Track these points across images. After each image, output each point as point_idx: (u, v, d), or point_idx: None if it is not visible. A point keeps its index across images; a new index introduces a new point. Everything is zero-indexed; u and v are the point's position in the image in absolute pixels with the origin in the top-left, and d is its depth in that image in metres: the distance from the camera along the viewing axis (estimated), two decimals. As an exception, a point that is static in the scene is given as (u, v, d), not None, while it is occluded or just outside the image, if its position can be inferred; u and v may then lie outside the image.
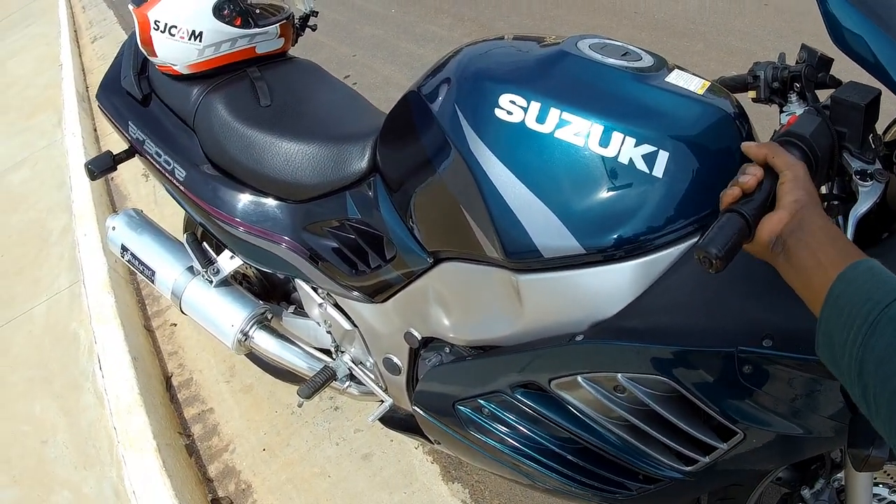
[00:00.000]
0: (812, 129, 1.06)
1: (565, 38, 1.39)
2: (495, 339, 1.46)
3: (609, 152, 1.20)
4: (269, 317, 2.07)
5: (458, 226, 1.36)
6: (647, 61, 1.32)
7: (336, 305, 1.85)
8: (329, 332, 1.93)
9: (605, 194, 1.21)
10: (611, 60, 1.29)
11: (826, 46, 1.29)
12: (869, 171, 1.07)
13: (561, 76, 1.29)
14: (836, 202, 1.15)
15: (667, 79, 1.29)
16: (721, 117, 1.28)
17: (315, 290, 1.87)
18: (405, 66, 4.54)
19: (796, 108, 1.37)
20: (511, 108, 1.27)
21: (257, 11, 1.92)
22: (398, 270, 1.57)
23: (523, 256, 1.28)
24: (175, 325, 3.16)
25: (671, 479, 1.34)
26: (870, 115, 1.09)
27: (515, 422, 1.47)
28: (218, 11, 1.83)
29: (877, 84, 1.06)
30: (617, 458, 1.38)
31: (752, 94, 1.49)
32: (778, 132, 1.12)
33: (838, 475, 1.53)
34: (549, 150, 1.23)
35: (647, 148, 1.19)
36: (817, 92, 1.36)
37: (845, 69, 1.19)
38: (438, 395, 1.58)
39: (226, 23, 1.85)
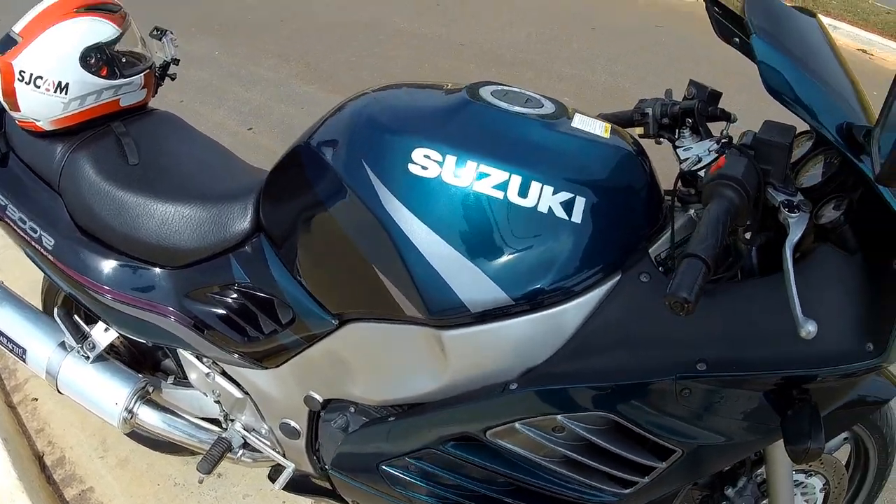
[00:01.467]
0: (742, 170, 1.12)
1: (463, 86, 1.41)
2: (417, 397, 1.44)
3: (528, 202, 1.23)
4: (151, 390, 1.95)
5: (371, 286, 1.34)
6: (549, 108, 1.37)
7: (224, 374, 1.77)
8: (218, 402, 1.85)
9: (528, 244, 1.25)
10: (517, 108, 1.33)
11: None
12: (795, 203, 1.14)
13: (473, 127, 1.30)
14: (764, 236, 1.24)
15: (573, 124, 1.34)
16: (627, 158, 1.34)
17: (200, 358, 1.78)
18: (234, 111, 4.44)
19: (690, 142, 1.46)
20: (426, 162, 1.26)
21: (123, 60, 1.84)
22: (297, 334, 1.52)
23: (449, 313, 1.28)
24: (36, 399, 2.94)
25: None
26: (790, 151, 1.17)
27: (447, 474, 1.46)
28: (84, 60, 1.75)
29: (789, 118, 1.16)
30: (555, 493, 1.39)
31: (639, 130, 1.59)
32: (708, 174, 1.16)
33: (758, 470, 1.63)
34: (468, 205, 1.24)
35: (565, 195, 1.23)
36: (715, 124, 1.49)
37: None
38: (361, 457, 1.54)
39: (92, 73, 1.76)
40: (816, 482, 1.77)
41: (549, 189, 1.24)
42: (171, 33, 2.07)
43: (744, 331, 1.20)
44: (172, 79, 2.10)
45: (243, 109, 4.33)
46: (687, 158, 1.39)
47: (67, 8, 1.77)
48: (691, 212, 1.36)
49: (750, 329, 1.20)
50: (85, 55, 1.75)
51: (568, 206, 1.24)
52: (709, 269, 0.99)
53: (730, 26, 1.44)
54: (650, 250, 1.31)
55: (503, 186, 1.23)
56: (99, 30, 1.78)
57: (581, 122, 1.36)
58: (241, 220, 1.59)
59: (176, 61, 2.10)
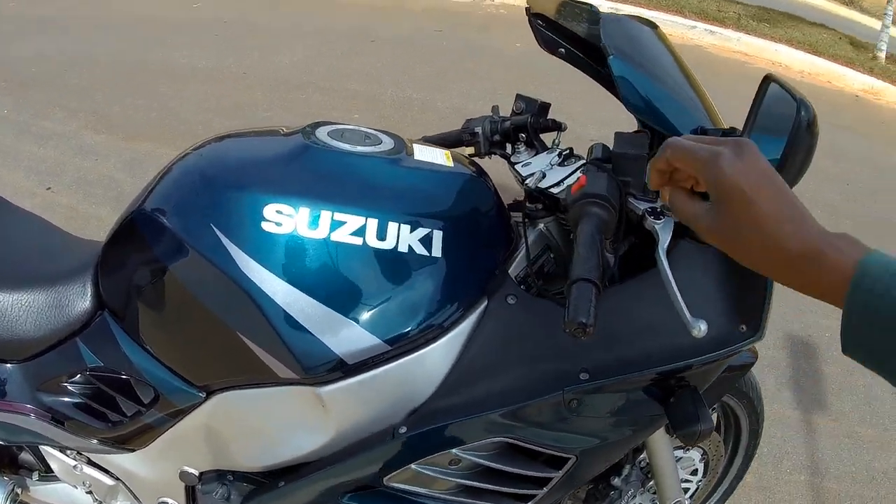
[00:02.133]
0: (605, 185, 1.15)
1: (297, 129, 1.39)
2: (303, 457, 1.39)
3: (388, 244, 1.22)
4: (20, 491, 1.78)
5: (237, 354, 1.28)
6: (388, 142, 1.38)
7: (91, 462, 1.64)
8: (89, 493, 1.72)
9: (395, 287, 1.24)
10: (360, 148, 1.32)
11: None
12: (658, 209, 1.17)
13: (321, 173, 1.28)
14: (626, 243, 1.29)
15: (416, 156, 1.36)
16: (473, 183, 1.39)
17: (63, 450, 1.64)
18: (31, 171, 4.09)
19: (526, 157, 1.52)
20: (279, 218, 1.22)
21: None
22: (162, 412, 1.43)
23: (325, 369, 1.25)
24: None
25: None
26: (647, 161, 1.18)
27: None
28: None
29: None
30: None
31: (470, 150, 1.63)
32: (571, 195, 1.16)
33: (640, 456, 1.74)
34: (328, 256, 1.22)
35: (422, 231, 1.24)
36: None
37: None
38: None
39: None
40: (695, 454, 1.89)
41: (406, 228, 1.24)
42: None
43: (619, 333, 1.23)
44: None
45: (40, 168, 4.20)
46: (530, 175, 1.40)
47: None
48: (541, 226, 1.39)
49: (624, 331, 1.23)
50: None
51: (427, 241, 1.25)
52: (598, 289, 1.00)
53: (555, 38, 1.52)
54: (510, 271, 1.34)
55: (361, 232, 1.22)
56: None
57: (422, 153, 1.38)
58: (82, 300, 1.48)
59: None
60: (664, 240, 1.12)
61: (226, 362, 1.33)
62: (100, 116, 4.84)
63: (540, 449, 1.30)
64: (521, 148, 1.57)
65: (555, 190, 1.34)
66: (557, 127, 1.57)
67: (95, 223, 3.57)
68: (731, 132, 1.22)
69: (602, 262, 1.04)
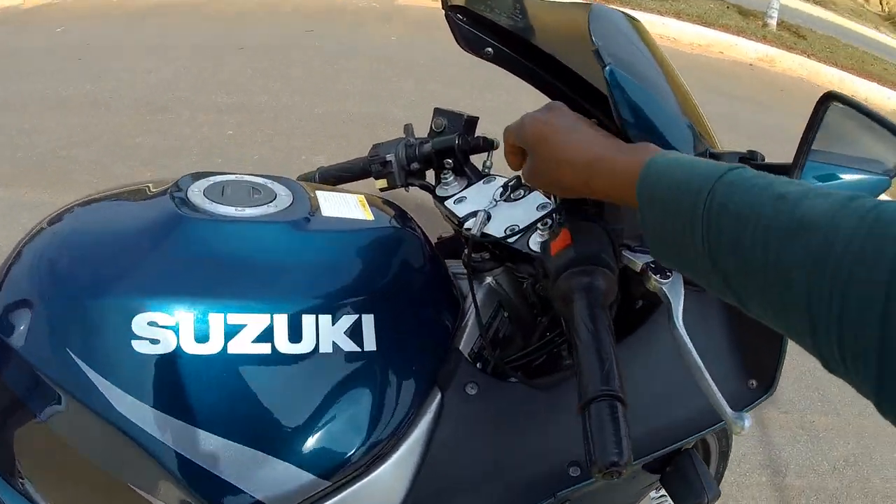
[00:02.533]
0: (597, 241, 0.88)
1: (165, 187, 1.05)
2: None
3: (306, 346, 0.93)
4: None
5: None
6: (285, 196, 1.06)
7: None
8: None
9: (322, 401, 0.95)
10: (249, 211, 1.00)
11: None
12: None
13: (202, 257, 0.95)
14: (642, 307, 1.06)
15: (323, 211, 1.05)
16: (400, 236, 1.11)
17: None
18: None
19: (456, 188, 1.26)
20: (153, 333, 0.89)
21: None
22: None
23: None
24: None
25: None
26: None
27: None
28: None
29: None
30: None
31: (381, 183, 1.34)
32: (551, 259, 0.89)
33: None
34: (227, 375, 0.91)
35: (348, 320, 0.96)
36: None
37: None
38: None
39: None
40: (664, 496, 1.78)
41: (325, 319, 0.95)
42: None
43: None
44: None
45: None
46: (470, 216, 1.15)
47: None
48: (489, 280, 1.16)
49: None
50: None
51: (355, 332, 0.96)
52: (624, 403, 0.72)
53: (480, 35, 1.24)
54: (461, 348, 1.07)
55: (267, 336, 0.91)
56: None
57: (330, 205, 1.08)
58: None
59: None
60: (677, 303, 0.88)
61: None
62: None
63: None
64: (449, 177, 1.29)
65: (512, 240, 1.06)
66: (489, 146, 1.29)
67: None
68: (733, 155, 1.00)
69: (614, 356, 0.76)
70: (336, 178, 1.42)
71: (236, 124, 4.68)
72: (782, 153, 0.99)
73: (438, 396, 1.01)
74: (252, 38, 6.37)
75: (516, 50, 1.22)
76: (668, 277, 0.89)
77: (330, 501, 0.97)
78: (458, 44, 1.27)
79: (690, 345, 0.85)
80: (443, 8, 1.27)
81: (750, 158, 0.97)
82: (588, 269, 0.83)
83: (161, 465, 0.89)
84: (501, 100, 5.27)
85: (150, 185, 1.11)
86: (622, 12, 1.13)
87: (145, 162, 4.20)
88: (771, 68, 8.40)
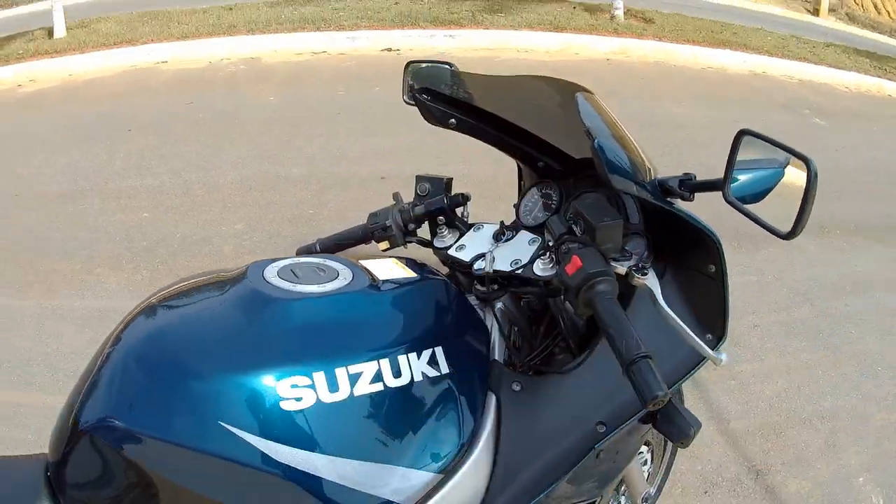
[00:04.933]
0: (601, 261, 1.24)
1: (239, 276, 1.30)
2: None
3: (405, 378, 1.21)
4: None
5: None
6: (346, 271, 1.33)
7: None
8: None
9: (424, 417, 1.24)
10: (329, 286, 1.27)
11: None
12: (639, 265, 1.30)
13: (316, 329, 1.21)
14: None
15: (380, 277, 1.33)
16: (436, 283, 1.41)
17: None
18: None
19: (450, 239, 1.58)
20: (296, 393, 1.13)
21: None
22: None
23: None
24: None
25: None
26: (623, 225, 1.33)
27: None
28: None
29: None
30: None
31: (383, 245, 1.64)
32: (569, 278, 1.22)
33: None
34: (357, 412, 1.17)
35: (427, 353, 1.25)
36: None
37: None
38: None
39: None
40: (643, 448, 2.05)
41: (413, 356, 1.23)
42: None
43: (615, 382, 1.27)
44: None
45: None
46: (475, 258, 1.48)
47: None
48: (500, 305, 1.47)
49: (619, 376, 1.23)
50: None
51: (433, 362, 1.25)
52: (652, 358, 1.08)
53: (445, 110, 1.58)
54: (497, 359, 1.39)
55: (378, 377, 1.18)
56: None
57: (380, 271, 1.36)
58: None
59: None
60: (656, 291, 1.30)
61: None
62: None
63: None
64: (445, 231, 1.62)
65: (520, 270, 1.42)
66: (466, 199, 1.63)
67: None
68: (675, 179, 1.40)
69: (634, 330, 1.12)
70: (336, 246, 1.70)
71: (149, 206, 4.88)
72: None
73: (494, 398, 1.32)
74: (136, 118, 6.50)
75: (474, 118, 1.59)
76: (645, 275, 1.28)
77: (440, 492, 1.24)
78: (425, 119, 1.61)
79: (672, 313, 1.25)
80: (411, 96, 1.62)
81: (687, 180, 1.36)
82: (600, 280, 1.18)
83: (313, 494, 1.14)
84: (383, 141, 5.75)
85: (213, 274, 1.36)
86: (584, 90, 1.51)
87: (68, 254, 4.36)
88: (626, 59, 8.94)
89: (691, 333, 1.29)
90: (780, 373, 3.56)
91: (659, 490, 2.24)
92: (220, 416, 1.11)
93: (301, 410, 1.13)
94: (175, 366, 1.17)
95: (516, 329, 1.52)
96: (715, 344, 1.39)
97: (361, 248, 1.72)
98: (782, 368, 3.60)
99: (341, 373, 1.16)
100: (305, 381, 1.14)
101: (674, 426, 1.35)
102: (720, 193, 1.33)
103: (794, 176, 1.27)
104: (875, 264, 4.86)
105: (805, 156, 1.22)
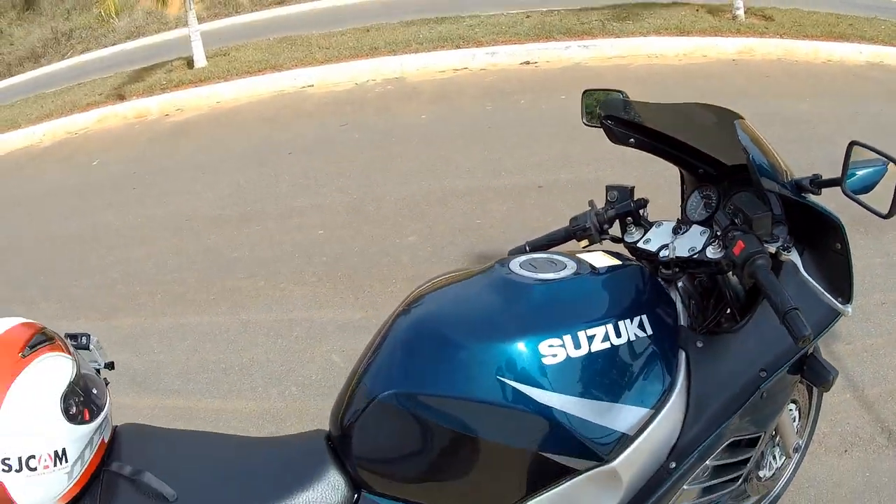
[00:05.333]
0: (757, 243, 1.65)
1: (491, 269, 1.76)
2: None
3: (623, 338, 1.64)
4: None
5: (538, 468, 1.60)
6: (570, 263, 1.77)
7: None
8: None
9: (639, 367, 1.68)
10: (563, 273, 1.72)
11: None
12: (784, 245, 1.74)
13: (559, 304, 1.67)
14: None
15: (596, 265, 1.78)
16: (635, 268, 1.85)
17: None
18: None
19: (637, 234, 2.00)
20: (553, 350, 1.56)
21: (94, 392, 1.59)
22: None
23: (616, 446, 1.62)
24: None
25: None
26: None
27: None
28: (67, 413, 1.46)
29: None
30: None
31: (584, 242, 2.07)
32: (737, 257, 1.64)
33: None
34: (594, 364, 1.60)
35: (637, 320, 1.68)
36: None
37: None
38: None
39: (79, 422, 1.49)
40: (792, 406, 2.34)
41: (627, 322, 1.66)
42: (92, 336, 1.79)
43: (771, 338, 1.72)
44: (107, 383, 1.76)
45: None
46: (663, 248, 1.89)
47: (7, 358, 1.45)
48: (680, 283, 1.88)
49: (774, 334, 1.67)
50: (66, 407, 1.47)
51: (641, 326, 1.68)
52: (800, 309, 1.49)
53: (626, 133, 2.01)
54: (682, 324, 1.81)
55: (607, 338, 1.62)
56: (59, 368, 1.51)
57: (595, 262, 1.80)
58: (336, 494, 1.60)
59: (111, 365, 1.82)
60: (797, 264, 1.76)
61: (523, 481, 1.63)
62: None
63: (742, 436, 1.81)
64: (633, 229, 2.03)
65: (696, 255, 1.82)
66: (645, 203, 2.06)
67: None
68: (806, 179, 1.83)
69: (786, 292, 1.53)
70: (545, 245, 2.12)
71: (322, 224, 5.19)
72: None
73: (683, 354, 1.74)
74: (293, 142, 6.81)
75: (647, 137, 2.01)
76: (789, 252, 1.73)
77: (652, 424, 1.67)
78: (610, 139, 2.05)
79: (812, 280, 1.72)
80: (587, 117, 2.09)
81: (815, 179, 1.79)
82: (759, 256, 1.60)
83: (566, 429, 1.56)
84: (534, 152, 5.99)
85: (462, 272, 1.84)
86: (736, 115, 1.90)
87: (251, 272, 4.65)
88: (752, 58, 9.06)
89: (828, 295, 1.76)
90: None
91: (807, 444, 2.55)
92: (497, 373, 1.53)
93: (557, 364, 1.56)
94: (454, 338, 1.61)
95: (693, 302, 1.91)
96: (844, 303, 1.77)
97: (564, 245, 2.10)
98: None
99: (582, 335, 1.59)
100: (558, 342, 1.57)
101: (816, 373, 1.83)
102: (839, 189, 1.75)
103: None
104: None
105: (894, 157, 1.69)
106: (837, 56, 9.39)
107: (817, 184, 1.80)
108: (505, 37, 9.32)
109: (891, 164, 1.71)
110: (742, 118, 1.89)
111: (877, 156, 1.73)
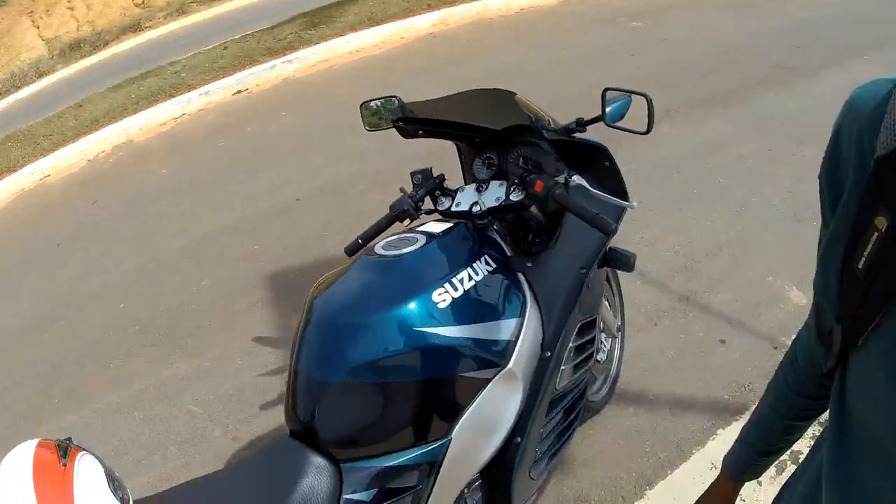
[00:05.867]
0: (550, 179, 2.14)
1: (364, 259, 2.06)
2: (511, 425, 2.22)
3: (480, 275, 2.03)
4: None
5: (458, 390, 1.99)
6: (419, 236, 2.10)
7: None
8: None
9: (501, 291, 2.10)
10: (419, 244, 2.05)
11: None
12: (569, 174, 2.25)
13: (429, 264, 2.00)
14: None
15: (437, 231, 2.12)
16: (462, 223, 2.23)
17: None
18: None
19: (448, 202, 2.38)
20: (442, 297, 1.91)
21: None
22: (430, 476, 1.98)
23: (509, 350, 2.08)
24: None
25: None
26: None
27: None
28: (118, 496, 1.57)
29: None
30: None
31: (406, 222, 2.36)
32: (539, 193, 2.11)
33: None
34: (469, 297, 1.96)
35: (482, 260, 2.09)
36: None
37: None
38: None
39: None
40: (606, 302, 2.88)
41: (476, 263, 2.05)
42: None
43: (579, 244, 2.25)
44: None
45: None
46: (471, 206, 2.30)
47: (54, 472, 1.50)
48: (495, 227, 2.29)
49: (581, 239, 2.25)
50: (114, 489, 1.58)
51: (487, 263, 2.08)
52: (600, 213, 1.94)
53: (415, 127, 2.37)
54: (510, 255, 2.22)
55: (471, 278, 1.98)
56: (90, 462, 1.59)
57: (436, 228, 2.15)
58: (321, 476, 1.82)
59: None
60: (585, 183, 2.23)
61: (454, 401, 1.98)
62: None
63: (585, 320, 2.34)
64: (443, 199, 2.42)
65: (503, 202, 2.23)
66: (444, 178, 2.45)
67: None
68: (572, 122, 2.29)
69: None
70: (375, 234, 2.36)
71: (124, 296, 5.11)
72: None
73: (521, 275, 2.18)
74: (57, 235, 6.48)
75: (434, 126, 2.39)
76: (573, 177, 2.18)
77: (523, 327, 2.09)
78: (402, 136, 2.41)
79: (599, 192, 2.18)
80: (374, 128, 2.43)
81: (580, 120, 2.26)
82: (556, 187, 2.04)
83: (472, 348, 1.95)
84: (279, 170, 6.16)
85: (337, 269, 2.10)
86: (511, 93, 2.33)
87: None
88: (448, 27, 9.64)
89: (613, 198, 2.21)
90: (675, 229, 4.45)
91: (623, 324, 3.20)
92: (410, 326, 1.86)
93: (448, 305, 1.92)
94: (367, 314, 1.90)
95: (509, 238, 2.33)
96: (627, 200, 2.29)
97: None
98: (676, 226, 4.49)
99: (455, 280, 1.97)
100: (442, 290, 1.93)
101: (619, 259, 2.38)
102: (602, 123, 2.25)
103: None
104: (723, 125, 5.74)
105: (642, 92, 2.22)
106: (529, 2, 10.05)
107: (583, 124, 2.26)
108: (211, 74, 9.39)
109: (634, 96, 2.22)
110: (515, 94, 2.33)
111: (623, 93, 2.23)
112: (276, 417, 3.52)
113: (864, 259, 0.81)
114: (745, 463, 1.34)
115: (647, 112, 2.20)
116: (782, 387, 1.21)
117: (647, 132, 2.21)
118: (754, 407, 1.32)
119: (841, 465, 0.95)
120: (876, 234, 0.79)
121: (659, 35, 8.10)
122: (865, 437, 0.89)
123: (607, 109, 2.25)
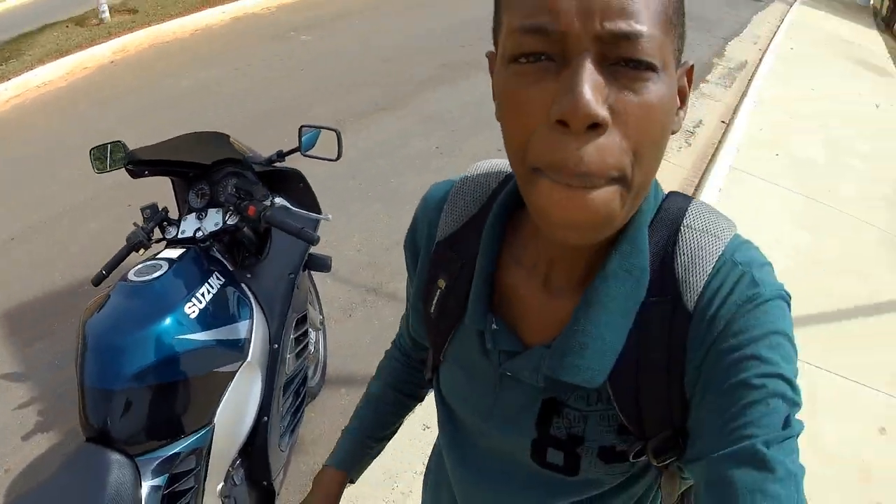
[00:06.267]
0: (262, 203, 2.54)
1: (121, 287, 2.20)
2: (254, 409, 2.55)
3: (214, 288, 2.35)
4: None
5: (212, 384, 2.30)
6: (161, 262, 2.28)
7: None
8: None
9: (234, 299, 2.45)
10: (164, 269, 2.25)
11: None
12: (272, 198, 2.65)
13: (176, 284, 2.24)
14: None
15: (174, 257, 2.33)
16: (191, 248, 2.45)
17: None
18: None
19: (175, 230, 2.58)
20: (191, 309, 2.20)
21: None
22: (200, 464, 2.26)
23: (245, 347, 2.45)
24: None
25: None
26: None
27: None
28: None
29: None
30: None
31: (142, 251, 2.55)
32: (252, 217, 2.47)
33: None
34: (212, 307, 2.29)
35: (213, 277, 2.41)
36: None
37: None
38: None
39: None
40: (309, 306, 3.36)
41: (209, 279, 2.33)
42: None
43: (287, 254, 2.74)
44: None
45: None
46: (195, 232, 2.53)
47: None
48: (216, 247, 2.55)
49: (286, 249, 2.74)
50: None
51: (217, 278, 2.42)
52: (304, 227, 2.44)
53: (141, 168, 2.63)
54: (232, 270, 2.59)
55: (210, 291, 2.30)
56: None
57: (170, 255, 2.34)
58: (123, 472, 1.99)
59: None
60: (287, 203, 2.68)
61: (213, 392, 2.29)
62: None
63: (299, 315, 2.93)
64: (170, 229, 2.60)
65: (221, 227, 2.53)
66: (167, 210, 2.65)
67: None
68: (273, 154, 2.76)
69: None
70: (117, 264, 2.54)
71: None
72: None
73: (244, 285, 2.60)
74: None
75: (156, 165, 2.70)
76: (275, 199, 2.69)
77: (255, 323, 2.50)
78: (132, 176, 2.66)
79: (299, 209, 2.72)
80: (99, 168, 2.66)
81: (280, 152, 2.74)
82: (266, 209, 2.44)
83: (219, 348, 2.29)
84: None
85: (100, 296, 2.24)
86: (224, 134, 2.60)
87: None
88: (128, 54, 9.41)
89: (310, 213, 2.71)
90: (355, 230, 4.92)
91: (323, 317, 3.68)
92: (172, 334, 2.12)
93: (197, 315, 2.21)
94: (135, 328, 2.10)
95: (227, 256, 2.61)
96: (321, 213, 2.78)
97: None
98: (356, 227, 4.97)
99: (198, 294, 2.26)
100: (190, 304, 2.21)
101: (318, 263, 2.89)
102: (298, 154, 2.68)
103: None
104: (392, 128, 6.31)
105: (333, 127, 2.71)
106: (203, 23, 10.19)
107: (283, 155, 2.71)
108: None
109: (324, 130, 2.71)
110: (229, 136, 2.61)
111: (315, 128, 2.69)
112: (44, 442, 3.56)
113: (433, 307, 1.08)
114: (358, 452, 1.40)
115: (336, 142, 2.67)
116: (393, 363, 1.44)
117: (338, 159, 2.66)
118: (358, 403, 1.46)
119: (454, 443, 1.18)
120: (439, 290, 1.06)
121: (328, 47, 8.59)
122: (459, 419, 1.16)
123: (302, 139, 2.70)
